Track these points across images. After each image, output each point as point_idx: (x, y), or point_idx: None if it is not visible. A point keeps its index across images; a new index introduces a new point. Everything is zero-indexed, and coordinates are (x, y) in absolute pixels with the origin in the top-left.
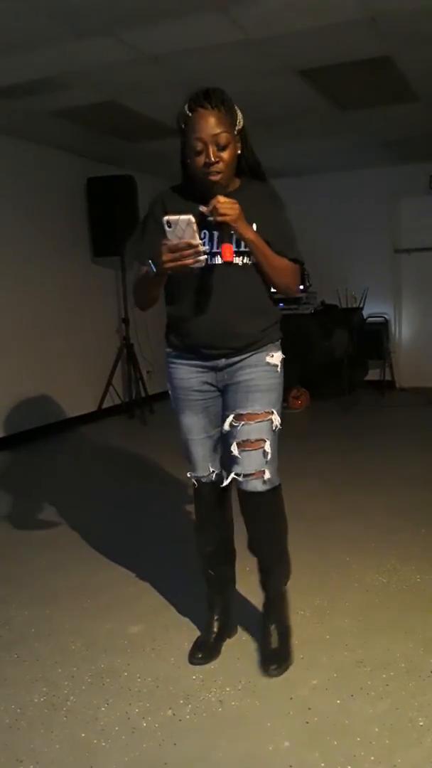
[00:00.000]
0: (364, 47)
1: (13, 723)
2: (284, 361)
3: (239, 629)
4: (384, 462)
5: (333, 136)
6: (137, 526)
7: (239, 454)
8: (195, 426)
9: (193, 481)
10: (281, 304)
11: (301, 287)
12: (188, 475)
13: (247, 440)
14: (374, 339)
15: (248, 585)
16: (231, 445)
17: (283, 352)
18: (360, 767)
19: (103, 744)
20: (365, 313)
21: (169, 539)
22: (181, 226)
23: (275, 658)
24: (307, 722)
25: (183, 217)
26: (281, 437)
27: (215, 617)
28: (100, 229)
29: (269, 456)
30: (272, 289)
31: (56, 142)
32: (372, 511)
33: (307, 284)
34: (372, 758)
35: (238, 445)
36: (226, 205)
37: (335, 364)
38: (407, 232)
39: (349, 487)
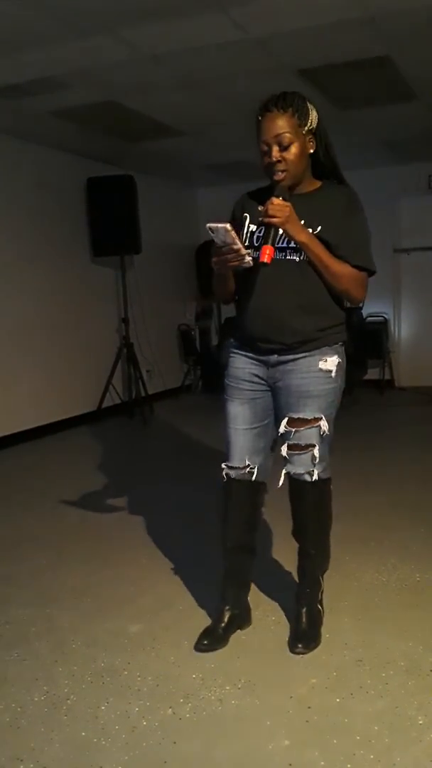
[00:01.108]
0: (364, 47)
1: (13, 722)
2: (341, 365)
3: (238, 629)
4: (383, 461)
5: (332, 136)
6: (137, 526)
7: (289, 456)
8: (240, 415)
9: (224, 473)
10: None
11: None
12: (222, 465)
13: (297, 444)
14: (373, 338)
15: (257, 586)
16: (283, 445)
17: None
18: (360, 765)
19: (103, 743)
20: (365, 312)
21: (169, 539)
22: (221, 233)
23: (303, 637)
24: (307, 721)
25: (221, 225)
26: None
27: (227, 607)
28: (100, 229)
29: (317, 459)
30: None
31: (56, 142)
32: (371, 510)
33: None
34: (371, 756)
35: (289, 447)
36: (276, 208)
37: None
38: (407, 232)
39: (348, 486)
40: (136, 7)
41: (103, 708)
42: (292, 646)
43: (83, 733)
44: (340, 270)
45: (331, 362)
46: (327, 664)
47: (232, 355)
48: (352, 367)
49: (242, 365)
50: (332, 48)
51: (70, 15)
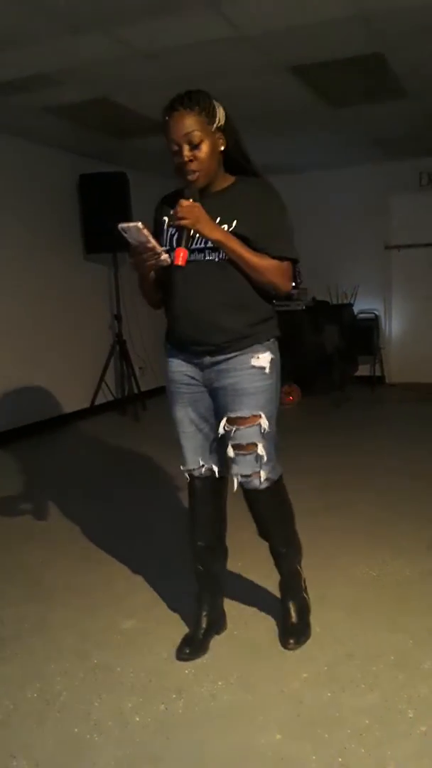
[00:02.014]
0: (356, 44)
1: (6, 718)
2: (275, 361)
3: (231, 623)
4: (374, 456)
5: (324, 133)
6: (129, 522)
7: (235, 456)
8: (184, 418)
9: (186, 474)
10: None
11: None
12: (181, 468)
13: (240, 444)
14: (365, 335)
15: (245, 580)
16: (227, 447)
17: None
18: (351, 759)
19: (96, 738)
20: (356, 309)
21: (161, 535)
22: (133, 231)
23: (293, 632)
24: (299, 715)
25: (132, 224)
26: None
27: (204, 613)
28: (93, 225)
29: (263, 459)
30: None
31: (48, 138)
32: (362, 505)
33: (298, 281)
34: (362, 750)
35: (233, 447)
36: (185, 210)
37: (326, 360)
38: (398, 229)
39: (339, 482)
40: (129, 4)
41: (96, 704)
42: (284, 641)
43: (76, 730)
44: (260, 263)
45: (263, 359)
46: (318, 658)
47: (167, 359)
48: (344, 364)
49: (177, 368)
50: (325, 46)
51: (63, 12)
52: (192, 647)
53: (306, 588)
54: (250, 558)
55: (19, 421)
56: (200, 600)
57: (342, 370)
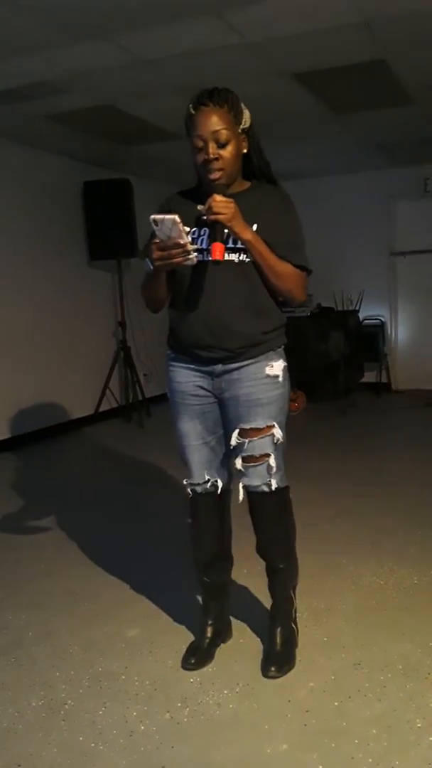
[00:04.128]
0: (359, 51)
1: (10, 727)
2: (286, 368)
3: (237, 632)
4: (380, 464)
5: (328, 140)
6: (134, 530)
7: (244, 469)
8: (191, 431)
9: (188, 490)
10: None
11: None
12: (184, 482)
13: (251, 456)
14: (370, 341)
15: (251, 587)
16: (236, 458)
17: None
18: None
19: (101, 747)
20: (361, 315)
21: (166, 542)
22: (167, 225)
23: (275, 660)
24: (305, 724)
25: (168, 216)
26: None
27: (209, 622)
28: (97, 232)
29: (274, 469)
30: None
31: (53, 146)
32: (368, 513)
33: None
34: (370, 760)
35: (243, 459)
36: (220, 204)
37: (331, 366)
38: (403, 235)
39: (345, 489)
40: (133, 12)
41: (100, 713)
42: (265, 669)
43: (81, 738)
44: (284, 269)
45: (277, 366)
46: (325, 667)
47: (171, 368)
48: (349, 370)
49: (185, 378)
50: (328, 52)
51: (67, 20)
52: (197, 656)
53: (296, 619)
54: (255, 566)
55: (24, 427)
56: (206, 609)
57: (347, 377)
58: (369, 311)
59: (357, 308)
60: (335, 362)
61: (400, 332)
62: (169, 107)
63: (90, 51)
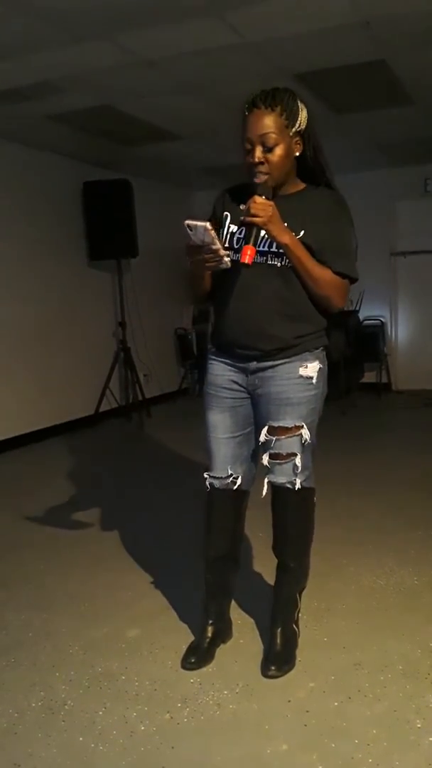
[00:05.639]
0: (359, 51)
1: (10, 727)
2: (323, 371)
3: (237, 632)
4: (381, 464)
5: (328, 140)
6: (134, 530)
7: (271, 465)
8: (220, 424)
9: (207, 484)
10: None
11: None
12: (204, 475)
13: (279, 453)
14: (370, 342)
15: (252, 587)
16: (264, 454)
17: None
18: None
19: (101, 748)
20: (361, 315)
21: (166, 543)
22: (200, 231)
23: (275, 660)
24: (305, 725)
25: (200, 223)
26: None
27: (210, 622)
28: (97, 233)
29: (299, 469)
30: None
31: (52, 146)
32: (369, 514)
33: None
34: (370, 760)
35: (271, 456)
36: (258, 207)
37: (332, 366)
38: (403, 235)
39: (346, 490)
40: (133, 12)
41: (100, 713)
42: (264, 668)
43: (81, 739)
44: (321, 275)
45: (311, 368)
46: (325, 667)
47: (210, 361)
48: (350, 371)
49: (221, 372)
50: (328, 52)
51: (66, 20)
52: (197, 656)
53: (298, 621)
54: (257, 567)
55: (24, 427)
56: (207, 609)
57: (348, 377)
58: (369, 311)
59: (357, 308)
60: (335, 363)
61: (401, 332)
62: (170, 107)
63: (90, 51)
